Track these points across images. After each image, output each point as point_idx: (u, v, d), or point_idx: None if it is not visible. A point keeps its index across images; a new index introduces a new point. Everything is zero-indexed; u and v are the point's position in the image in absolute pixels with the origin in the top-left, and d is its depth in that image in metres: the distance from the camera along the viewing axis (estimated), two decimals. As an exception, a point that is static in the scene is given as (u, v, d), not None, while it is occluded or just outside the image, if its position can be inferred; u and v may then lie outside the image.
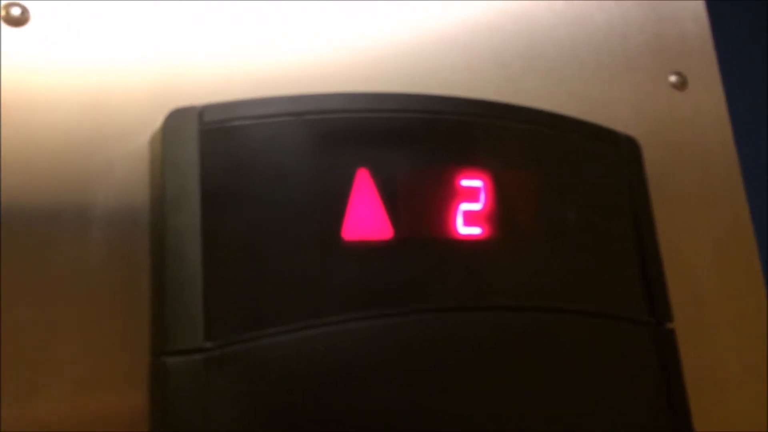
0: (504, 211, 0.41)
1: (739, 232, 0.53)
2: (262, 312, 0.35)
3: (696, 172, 0.52)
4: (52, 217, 0.36)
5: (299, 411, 0.34)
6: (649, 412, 0.42)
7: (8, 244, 0.35)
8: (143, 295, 0.36)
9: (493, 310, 0.39)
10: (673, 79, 0.54)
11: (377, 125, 0.39)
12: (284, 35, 0.43)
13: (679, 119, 0.53)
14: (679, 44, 0.55)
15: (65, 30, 0.39)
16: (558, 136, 0.44)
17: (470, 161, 0.41)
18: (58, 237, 0.36)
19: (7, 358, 0.34)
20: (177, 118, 0.36)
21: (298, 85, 0.42)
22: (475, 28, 0.48)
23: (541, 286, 0.41)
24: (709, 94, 0.55)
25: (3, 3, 0.38)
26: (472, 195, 0.40)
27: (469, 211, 0.40)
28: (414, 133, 0.40)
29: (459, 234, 0.39)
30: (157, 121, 0.37)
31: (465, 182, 0.40)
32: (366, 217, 0.37)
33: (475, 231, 0.40)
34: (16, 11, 0.38)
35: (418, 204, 0.39)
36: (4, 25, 0.38)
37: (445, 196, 0.39)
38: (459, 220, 0.39)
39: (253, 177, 0.36)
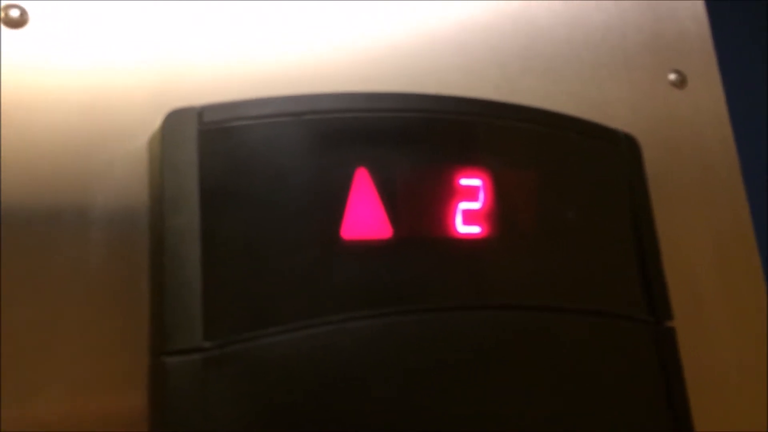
0: (503, 210, 0.41)
1: (739, 231, 0.52)
2: (261, 312, 0.35)
3: (695, 171, 0.52)
4: (52, 217, 0.36)
5: (299, 411, 0.34)
6: (649, 410, 0.42)
7: (8, 244, 0.35)
8: (143, 295, 0.36)
9: (492, 309, 0.39)
10: (672, 77, 0.54)
11: (376, 125, 0.39)
12: (284, 35, 0.43)
13: (679, 118, 0.53)
14: (678, 43, 0.55)
15: (64, 31, 0.39)
16: (557, 135, 0.44)
17: (469, 160, 0.41)
18: (58, 237, 0.36)
19: (7, 358, 0.34)
20: (176, 119, 0.36)
21: (298, 85, 0.42)
22: (473, 28, 0.48)
23: (540, 284, 0.41)
24: (708, 92, 0.55)
25: (2, 5, 0.38)
26: (471, 194, 0.40)
27: (469, 210, 0.40)
28: (413, 133, 0.40)
29: (458, 233, 0.39)
30: (157, 122, 0.37)
31: (464, 181, 0.40)
32: (365, 216, 0.37)
33: (474, 230, 0.40)
34: (15, 13, 0.38)
35: (417, 203, 0.39)
36: (3, 27, 0.38)
37: (445, 195, 0.39)
38: (458, 219, 0.39)
39: (252, 177, 0.36)
